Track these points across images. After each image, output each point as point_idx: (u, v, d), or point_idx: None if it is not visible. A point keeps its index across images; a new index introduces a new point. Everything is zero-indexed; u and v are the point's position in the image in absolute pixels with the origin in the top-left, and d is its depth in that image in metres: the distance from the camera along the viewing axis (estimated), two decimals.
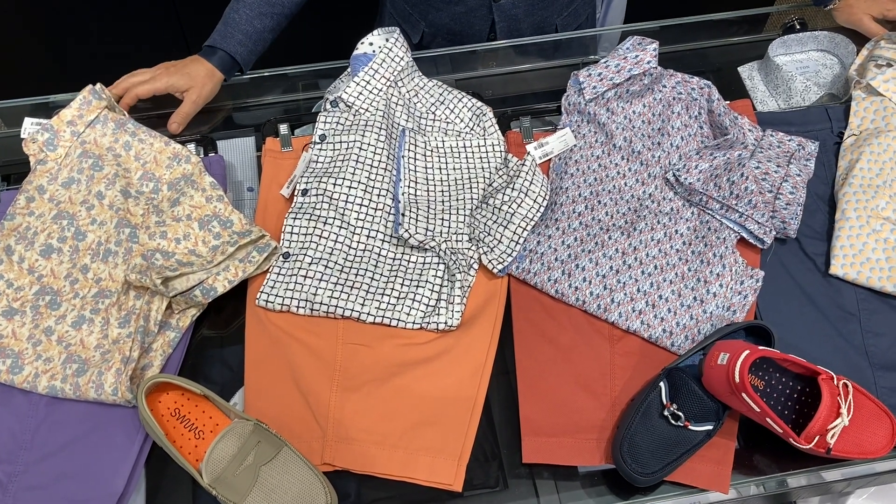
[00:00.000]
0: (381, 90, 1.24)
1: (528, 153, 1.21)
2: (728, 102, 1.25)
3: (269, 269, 1.13)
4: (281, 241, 1.15)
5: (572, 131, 1.25)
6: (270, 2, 1.32)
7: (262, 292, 1.11)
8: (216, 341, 1.13)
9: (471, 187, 1.20)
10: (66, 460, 0.99)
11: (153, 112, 1.35)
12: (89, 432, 1.01)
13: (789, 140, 1.23)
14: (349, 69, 1.28)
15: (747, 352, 0.96)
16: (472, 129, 1.25)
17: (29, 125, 1.23)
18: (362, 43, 1.27)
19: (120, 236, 1.13)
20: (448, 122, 1.25)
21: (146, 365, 1.05)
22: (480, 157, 1.23)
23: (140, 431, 1.01)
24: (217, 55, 1.31)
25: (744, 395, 0.95)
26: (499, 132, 1.25)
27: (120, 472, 0.98)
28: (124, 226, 1.14)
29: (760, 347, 0.98)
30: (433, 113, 1.27)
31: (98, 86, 1.23)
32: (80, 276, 1.12)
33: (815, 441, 0.96)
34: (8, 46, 2.07)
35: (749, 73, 1.41)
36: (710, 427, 1.01)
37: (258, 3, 1.31)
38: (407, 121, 1.25)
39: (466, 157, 1.24)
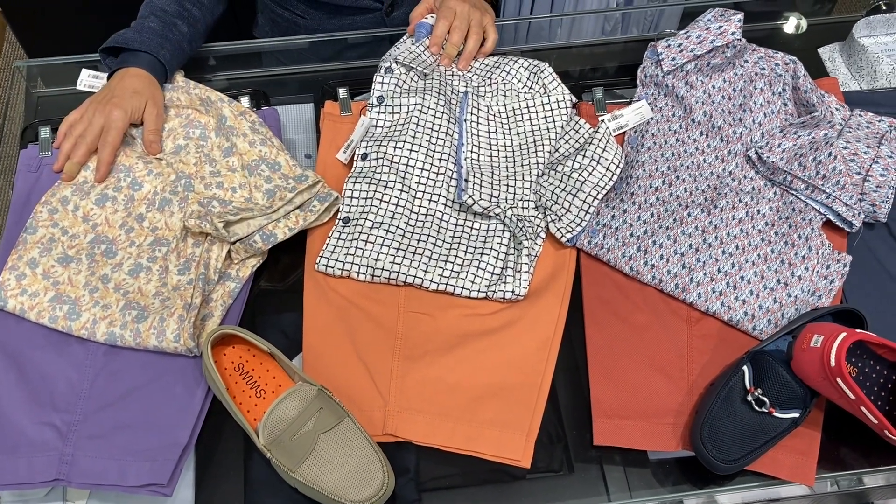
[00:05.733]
0: (437, 57, 1.21)
1: (602, 122, 1.15)
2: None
3: (328, 234, 1.08)
4: (341, 207, 1.10)
5: (648, 104, 1.19)
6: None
7: (321, 257, 1.06)
8: (274, 303, 1.08)
9: (535, 151, 1.15)
10: (124, 410, 0.95)
11: None
12: (148, 382, 0.96)
13: (879, 121, 1.16)
14: (405, 36, 1.24)
15: (844, 334, 0.90)
16: (530, 87, 1.20)
17: (86, 77, 1.21)
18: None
19: (176, 186, 1.10)
20: (505, 83, 1.20)
21: (206, 315, 1.01)
22: (545, 117, 1.17)
23: (201, 384, 0.97)
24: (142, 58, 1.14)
25: (839, 380, 0.89)
26: (562, 86, 1.18)
27: (183, 423, 0.93)
28: (181, 177, 1.11)
29: (858, 331, 0.91)
30: (489, 78, 1.22)
31: None
32: (135, 225, 1.08)
33: None
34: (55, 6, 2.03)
35: (830, 54, 1.34)
36: (797, 415, 0.95)
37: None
38: (466, 87, 1.20)
39: (530, 119, 1.18)
